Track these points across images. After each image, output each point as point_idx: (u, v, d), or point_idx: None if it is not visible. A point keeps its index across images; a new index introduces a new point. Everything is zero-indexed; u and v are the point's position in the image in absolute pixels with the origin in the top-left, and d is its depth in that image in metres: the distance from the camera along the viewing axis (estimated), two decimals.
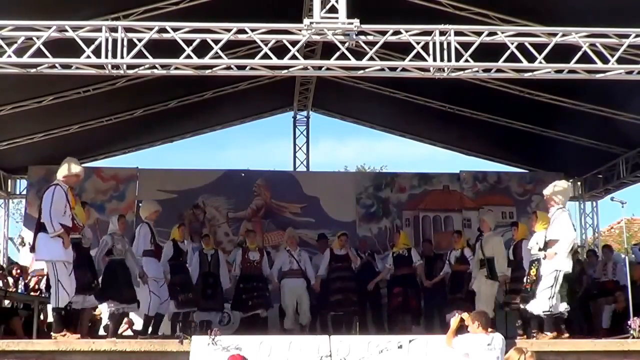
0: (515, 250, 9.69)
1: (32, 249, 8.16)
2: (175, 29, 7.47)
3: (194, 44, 7.44)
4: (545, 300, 8.31)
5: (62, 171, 8.15)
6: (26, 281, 11.80)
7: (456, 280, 10.85)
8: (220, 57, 7.58)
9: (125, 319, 10.79)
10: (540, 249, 8.64)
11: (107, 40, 7.39)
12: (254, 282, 10.92)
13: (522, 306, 8.83)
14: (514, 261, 9.65)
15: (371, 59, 7.66)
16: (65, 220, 7.93)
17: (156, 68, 7.80)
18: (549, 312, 8.31)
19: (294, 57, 7.65)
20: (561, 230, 8.39)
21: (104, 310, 10.13)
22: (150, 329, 9.54)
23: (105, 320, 10.64)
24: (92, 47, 7.37)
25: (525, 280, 8.85)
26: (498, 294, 10.11)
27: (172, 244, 10.42)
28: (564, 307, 8.61)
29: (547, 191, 8.76)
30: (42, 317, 11.20)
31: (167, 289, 9.89)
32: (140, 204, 12.99)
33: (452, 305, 9.94)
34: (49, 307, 11.47)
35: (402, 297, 11.21)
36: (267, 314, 10.99)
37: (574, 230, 8.68)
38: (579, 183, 15.49)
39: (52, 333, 8.01)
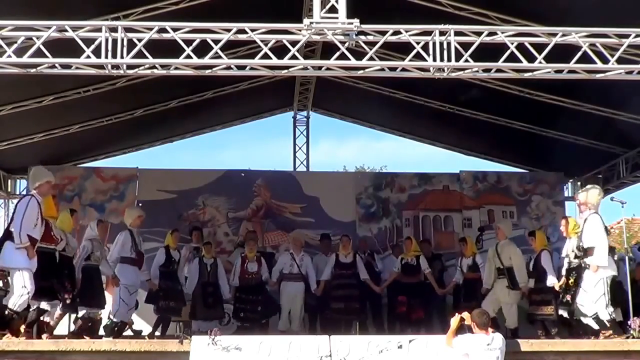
0: (537, 261, 9.67)
1: None
2: (175, 29, 7.47)
3: (194, 44, 7.44)
4: (603, 310, 8.29)
5: (33, 182, 8.21)
6: None
7: (470, 288, 10.76)
8: (220, 57, 7.58)
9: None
10: (576, 256, 8.64)
11: (107, 40, 7.39)
12: (251, 295, 10.88)
13: (564, 314, 8.83)
14: (535, 272, 9.64)
15: (371, 59, 7.66)
16: (34, 233, 7.93)
17: (156, 68, 7.79)
18: (611, 320, 8.31)
19: (294, 57, 7.65)
20: (596, 236, 8.38)
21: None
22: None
23: (105, 320, 10.65)
24: (92, 47, 7.37)
25: (562, 289, 8.85)
26: (522, 303, 10.11)
27: (164, 251, 10.43)
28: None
29: (582, 197, 8.75)
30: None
31: (150, 294, 10.04)
32: (140, 205, 13.06)
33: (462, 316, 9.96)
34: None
35: (406, 307, 11.20)
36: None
37: (607, 232, 8.65)
38: (579, 183, 15.48)
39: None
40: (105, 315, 9.74)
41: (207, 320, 10.67)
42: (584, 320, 8.50)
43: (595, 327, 8.39)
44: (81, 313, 9.13)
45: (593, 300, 8.32)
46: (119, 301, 9.49)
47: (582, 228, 8.57)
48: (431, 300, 11.68)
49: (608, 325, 8.31)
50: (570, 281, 8.63)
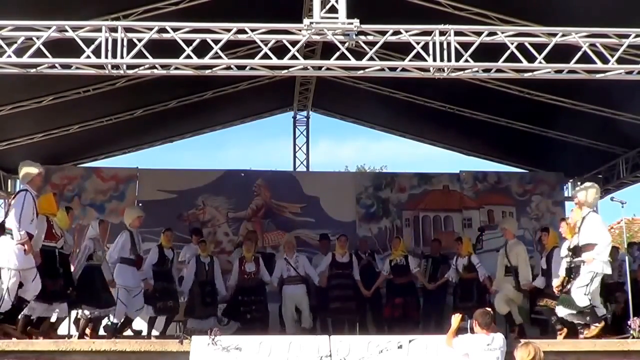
0: (548, 259, 9.66)
1: None
2: (175, 29, 7.47)
3: (194, 44, 7.44)
4: (581, 296, 8.22)
5: (24, 177, 8.13)
6: None
7: (466, 289, 10.81)
8: (220, 57, 7.57)
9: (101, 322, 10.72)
10: (570, 255, 8.62)
11: (107, 40, 7.39)
12: (252, 296, 10.85)
13: (554, 308, 8.73)
14: (546, 270, 9.63)
15: (371, 59, 7.66)
16: (31, 229, 7.88)
17: (156, 68, 7.79)
18: (589, 307, 8.23)
19: (294, 57, 7.64)
20: (597, 234, 8.34)
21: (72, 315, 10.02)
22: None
23: (105, 320, 10.63)
24: (92, 47, 7.37)
25: (558, 284, 8.78)
26: (524, 302, 10.12)
27: (157, 250, 10.40)
28: (603, 311, 8.52)
29: (581, 196, 8.66)
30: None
31: (146, 294, 9.92)
32: (140, 205, 13.06)
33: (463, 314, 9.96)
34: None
35: (402, 310, 11.22)
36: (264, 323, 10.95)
37: (609, 232, 8.63)
38: (579, 183, 15.46)
39: None
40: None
41: (204, 319, 10.67)
42: (569, 311, 8.41)
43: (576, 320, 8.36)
44: (84, 313, 9.14)
45: (576, 286, 8.27)
46: (117, 302, 9.43)
47: (579, 226, 8.52)
48: (429, 299, 11.70)
49: (596, 318, 8.25)
50: (566, 278, 8.61)
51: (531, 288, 9.86)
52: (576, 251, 8.50)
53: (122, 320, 9.66)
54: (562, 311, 8.51)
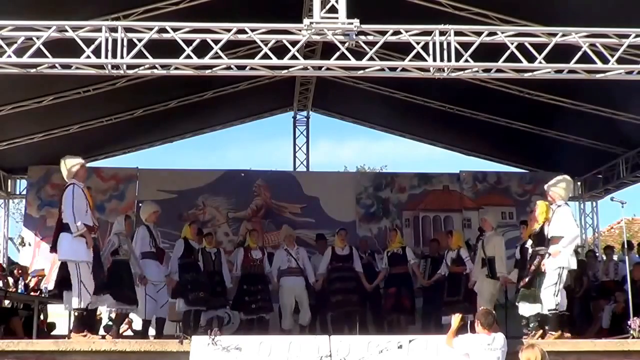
0: (522, 249, 9.64)
1: (54, 248, 8.05)
2: (175, 29, 7.47)
3: (194, 44, 7.44)
4: (550, 297, 8.19)
5: (70, 171, 8.06)
6: (26, 281, 11.79)
7: (453, 282, 10.70)
8: (220, 57, 7.57)
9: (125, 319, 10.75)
10: (533, 245, 8.62)
11: (107, 40, 7.38)
12: (258, 284, 10.83)
13: (517, 303, 8.72)
14: (521, 260, 9.60)
15: (371, 59, 7.66)
16: (86, 220, 7.90)
17: (156, 68, 7.79)
18: (555, 310, 8.21)
19: (294, 57, 7.64)
20: (565, 226, 8.29)
21: (103, 311, 10.09)
22: (152, 332, 9.50)
23: (105, 320, 10.62)
24: (92, 47, 7.37)
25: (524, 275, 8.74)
26: (499, 294, 10.08)
27: (183, 242, 10.36)
28: (564, 307, 8.49)
29: (553, 192, 8.61)
30: (42, 317, 11.20)
31: (175, 288, 9.90)
32: (140, 204, 13.04)
33: (449, 308, 9.93)
34: (49, 307, 11.51)
35: (394, 298, 11.19)
36: (269, 317, 10.94)
37: (577, 226, 8.60)
38: (579, 183, 15.48)
39: (72, 333, 7.94)
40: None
41: (217, 308, 10.68)
42: (533, 311, 8.40)
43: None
44: (113, 310, 9.12)
45: (544, 286, 8.23)
46: (146, 298, 9.32)
47: (550, 218, 8.44)
48: (424, 291, 11.74)
49: (557, 324, 8.23)
50: (531, 269, 8.59)
51: (506, 281, 9.81)
52: (538, 240, 8.48)
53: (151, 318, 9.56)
54: (526, 309, 8.49)
